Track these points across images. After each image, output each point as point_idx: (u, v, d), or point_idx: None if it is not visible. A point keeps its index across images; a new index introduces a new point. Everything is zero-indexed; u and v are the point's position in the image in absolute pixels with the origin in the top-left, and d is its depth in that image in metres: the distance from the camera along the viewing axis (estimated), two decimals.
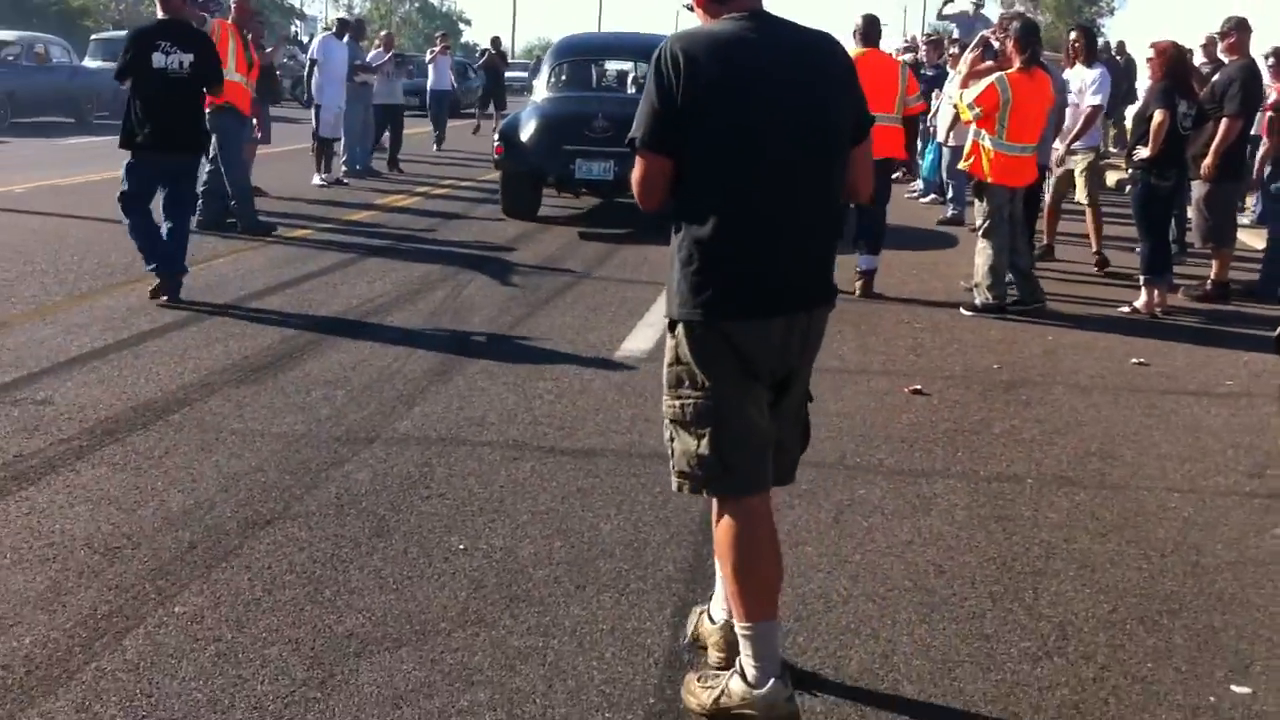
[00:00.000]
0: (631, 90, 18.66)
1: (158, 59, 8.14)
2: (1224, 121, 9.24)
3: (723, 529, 3.26)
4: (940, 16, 20.17)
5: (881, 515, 4.88)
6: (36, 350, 6.78)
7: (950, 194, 14.36)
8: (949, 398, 6.67)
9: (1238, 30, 9.80)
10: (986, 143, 8.67)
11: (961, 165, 8.92)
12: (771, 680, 3.20)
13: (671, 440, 3.30)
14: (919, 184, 16.70)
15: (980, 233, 8.86)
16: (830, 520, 4.80)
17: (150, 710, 3.25)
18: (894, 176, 10.02)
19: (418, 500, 4.83)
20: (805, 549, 4.50)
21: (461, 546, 4.40)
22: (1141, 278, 9.14)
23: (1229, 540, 4.74)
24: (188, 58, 8.21)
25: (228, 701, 3.30)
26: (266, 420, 5.74)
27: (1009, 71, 8.62)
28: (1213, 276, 9.76)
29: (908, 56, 18.45)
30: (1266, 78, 11.56)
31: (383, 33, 18.76)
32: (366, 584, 4.06)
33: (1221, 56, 10.23)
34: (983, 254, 8.80)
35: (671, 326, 3.26)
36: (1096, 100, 10.47)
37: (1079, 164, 10.90)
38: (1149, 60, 9.12)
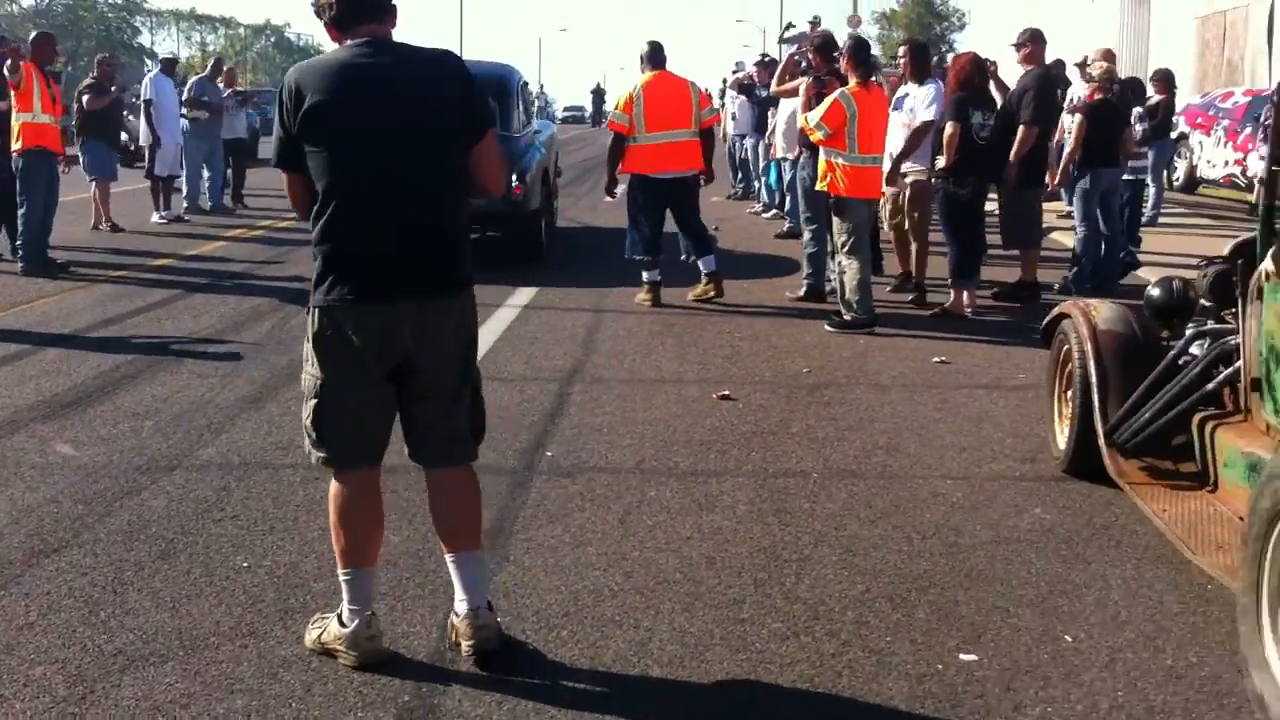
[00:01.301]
0: None
1: None
2: (1020, 129, 9.64)
3: (331, 491, 3.76)
4: (781, 41, 20.74)
5: (667, 514, 5.06)
6: None
7: (788, 207, 14.67)
8: (754, 402, 6.90)
9: (1032, 42, 10.26)
10: (839, 159, 8.79)
11: (819, 187, 9.00)
12: (358, 620, 3.66)
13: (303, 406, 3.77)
14: (761, 200, 17.16)
15: (844, 250, 8.87)
16: (616, 521, 4.97)
17: None
18: (700, 183, 10.20)
19: (209, 523, 4.90)
20: (587, 549, 4.66)
21: (245, 564, 4.48)
22: (950, 280, 9.49)
23: (989, 522, 5.00)
24: None
25: None
26: (68, 453, 5.75)
27: (849, 87, 8.85)
28: (1020, 276, 10.16)
29: (741, 74, 19.03)
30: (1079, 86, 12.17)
31: (225, 68, 18.57)
32: (144, 604, 4.12)
33: (1019, 66, 10.55)
34: (849, 270, 8.84)
35: (310, 311, 3.66)
36: (928, 116, 9.58)
37: (908, 186, 10.08)
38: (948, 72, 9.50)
